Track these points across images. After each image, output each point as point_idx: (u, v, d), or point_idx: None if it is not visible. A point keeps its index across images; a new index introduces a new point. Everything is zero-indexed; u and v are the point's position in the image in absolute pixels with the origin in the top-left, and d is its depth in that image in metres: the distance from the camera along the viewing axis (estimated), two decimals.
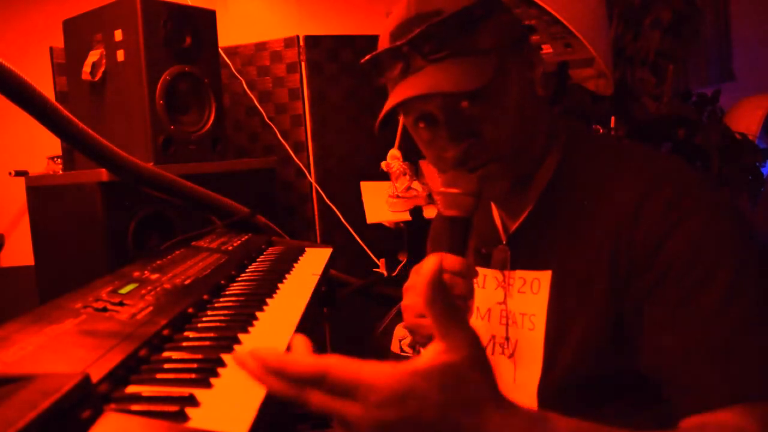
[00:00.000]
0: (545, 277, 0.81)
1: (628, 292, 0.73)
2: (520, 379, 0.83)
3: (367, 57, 0.80)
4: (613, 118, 2.19)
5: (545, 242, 0.83)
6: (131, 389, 0.58)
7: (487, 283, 0.91)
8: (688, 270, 0.69)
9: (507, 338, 0.86)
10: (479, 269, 0.92)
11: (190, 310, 0.82)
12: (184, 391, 0.56)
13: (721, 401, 0.65)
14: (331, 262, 1.32)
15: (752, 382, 0.65)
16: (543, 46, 1.41)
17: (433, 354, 0.52)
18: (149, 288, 0.86)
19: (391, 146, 2.18)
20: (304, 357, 0.51)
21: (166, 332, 0.73)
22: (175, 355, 0.68)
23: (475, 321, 0.92)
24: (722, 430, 0.63)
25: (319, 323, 2.30)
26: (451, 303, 0.52)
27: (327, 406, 0.50)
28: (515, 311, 0.85)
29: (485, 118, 0.77)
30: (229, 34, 2.52)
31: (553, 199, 0.83)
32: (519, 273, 0.85)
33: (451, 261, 0.77)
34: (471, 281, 0.81)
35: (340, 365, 0.49)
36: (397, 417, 0.48)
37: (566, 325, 0.78)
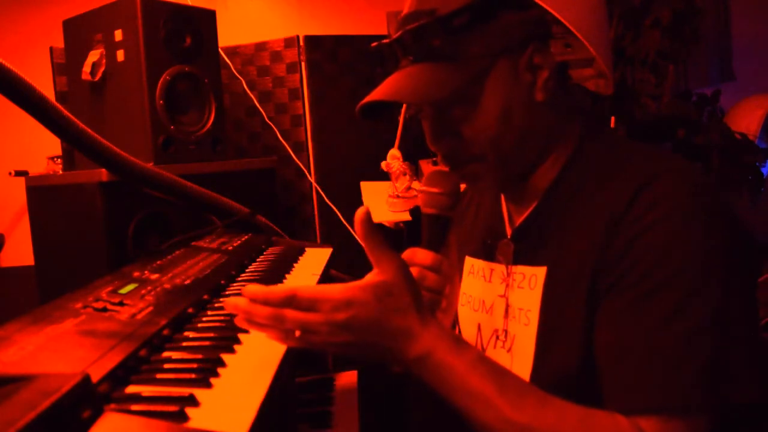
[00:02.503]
0: (541, 273, 0.82)
1: (598, 289, 0.74)
2: (516, 373, 0.84)
3: (373, 44, 0.84)
4: (613, 118, 2.19)
5: (545, 239, 0.83)
6: (131, 389, 0.58)
7: (493, 277, 0.91)
8: (649, 272, 0.70)
9: (506, 332, 0.87)
10: (487, 263, 0.94)
11: (190, 310, 0.83)
12: (184, 391, 0.56)
13: (633, 408, 0.67)
14: (331, 262, 1.32)
15: (671, 396, 0.66)
16: None
17: (370, 275, 0.71)
18: (149, 288, 0.86)
19: (391, 146, 2.18)
20: (279, 287, 0.67)
21: (166, 332, 0.73)
22: (175, 355, 0.68)
23: (479, 314, 0.93)
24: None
25: None
26: (380, 238, 0.70)
27: (297, 319, 0.65)
28: (515, 306, 0.86)
29: (465, 121, 0.79)
30: (229, 34, 2.52)
31: (557, 196, 0.83)
32: (520, 268, 0.86)
33: (422, 255, 0.84)
34: (450, 276, 0.85)
35: (304, 287, 0.66)
36: (346, 317, 0.66)
37: (556, 322, 0.79)
